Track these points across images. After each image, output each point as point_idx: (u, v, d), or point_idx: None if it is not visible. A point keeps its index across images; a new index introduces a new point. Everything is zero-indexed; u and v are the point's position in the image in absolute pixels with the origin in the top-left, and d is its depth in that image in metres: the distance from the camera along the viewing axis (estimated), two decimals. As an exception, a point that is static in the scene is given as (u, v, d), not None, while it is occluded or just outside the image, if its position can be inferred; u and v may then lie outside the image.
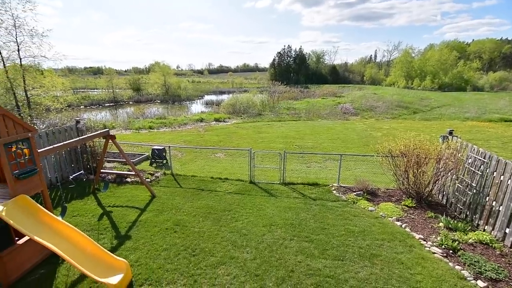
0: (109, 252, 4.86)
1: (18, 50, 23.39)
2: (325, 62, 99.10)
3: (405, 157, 7.90)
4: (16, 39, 22.99)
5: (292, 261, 5.44)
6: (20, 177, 4.92)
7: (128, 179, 9.61)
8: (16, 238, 5.11)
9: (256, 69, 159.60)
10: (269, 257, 5.54)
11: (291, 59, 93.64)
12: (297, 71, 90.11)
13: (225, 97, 44.83)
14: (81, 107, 37.58)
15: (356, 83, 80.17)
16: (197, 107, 38.21)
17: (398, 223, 6.93)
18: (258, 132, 18.79)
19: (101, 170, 8.75)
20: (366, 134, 18.28)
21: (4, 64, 22.90)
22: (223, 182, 9.55)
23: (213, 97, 48.79)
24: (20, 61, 23.63)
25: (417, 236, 6.30)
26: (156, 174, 10.19)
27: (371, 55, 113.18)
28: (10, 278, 4.79)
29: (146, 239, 6.14)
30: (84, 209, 7.54)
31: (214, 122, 22.84)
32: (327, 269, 5.22)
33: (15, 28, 22.82)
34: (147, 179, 9.52)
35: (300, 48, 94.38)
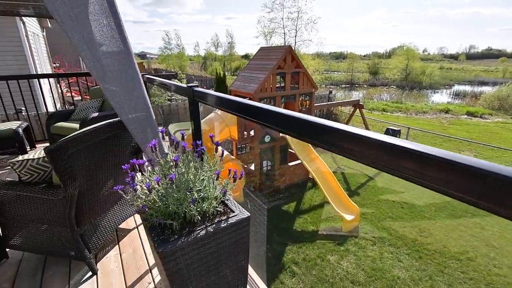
0: (346, 195, 5.80)
1: (295, 36, 30.51)
2: None
3: None
4: (296, 27, 30.09)
5: None
6: (301, 119, 6.87)
7: (360, 149, 10.42)
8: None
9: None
10: (534, 288, 4.16)
11: None
12: None
13: (486, 89, 34.30)
14: (323, 86, 43.65)
15: None
16: (440, 97, 32.31)
17: None
18: (541, 140, 13.04)
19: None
20: None
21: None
22: (468, 183, 7.89)
23: (467, 88, 38.91)
24: (295, 45, 30.85)
25: None
26: (386, 152, 10.24)
27: None
28: (282, 184, 7.08)
29: (373, 201, 6.59)
30: (323, 161, 9.25)
31: (465, 116, 18.44)
32: None
33: (297, 19, 29.75)
34: (377, 154, 9.83)
35: None
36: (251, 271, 1.69)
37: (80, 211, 1.64)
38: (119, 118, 1.67)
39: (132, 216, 2.31)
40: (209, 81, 24.95)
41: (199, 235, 1.09)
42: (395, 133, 11.34)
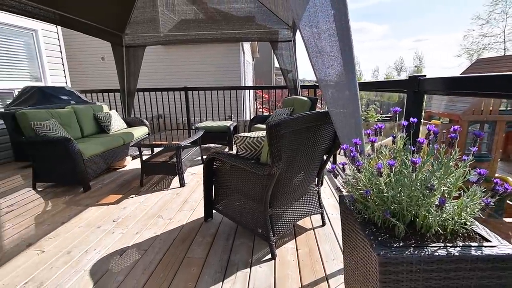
0: None
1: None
2: None
3: None
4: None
5: None
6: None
7: None
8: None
9: None
10: None
11: None
12: None
13: None
14: None
15: None
16: None
17: None
18: None
19: None
20: None
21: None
22: None
23: None
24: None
25: None
26: None
27: None
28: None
29: None
30: None
31: None
32: None
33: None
34: None
35: None
36: None
37: (274, 194, 1.71)
38: (326, 109, 1.64)
39: (309, 217, 2.26)
40: (386, 105, 23.10)
41: (436, 254, 0.77)
42: None
